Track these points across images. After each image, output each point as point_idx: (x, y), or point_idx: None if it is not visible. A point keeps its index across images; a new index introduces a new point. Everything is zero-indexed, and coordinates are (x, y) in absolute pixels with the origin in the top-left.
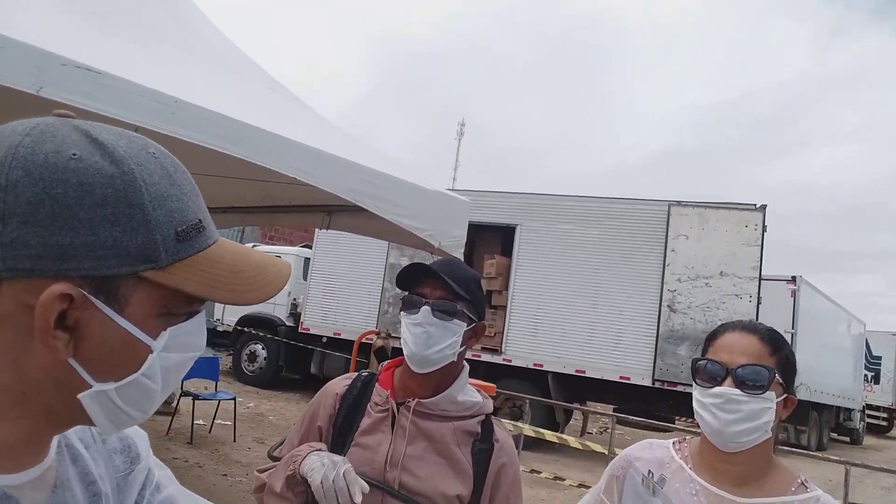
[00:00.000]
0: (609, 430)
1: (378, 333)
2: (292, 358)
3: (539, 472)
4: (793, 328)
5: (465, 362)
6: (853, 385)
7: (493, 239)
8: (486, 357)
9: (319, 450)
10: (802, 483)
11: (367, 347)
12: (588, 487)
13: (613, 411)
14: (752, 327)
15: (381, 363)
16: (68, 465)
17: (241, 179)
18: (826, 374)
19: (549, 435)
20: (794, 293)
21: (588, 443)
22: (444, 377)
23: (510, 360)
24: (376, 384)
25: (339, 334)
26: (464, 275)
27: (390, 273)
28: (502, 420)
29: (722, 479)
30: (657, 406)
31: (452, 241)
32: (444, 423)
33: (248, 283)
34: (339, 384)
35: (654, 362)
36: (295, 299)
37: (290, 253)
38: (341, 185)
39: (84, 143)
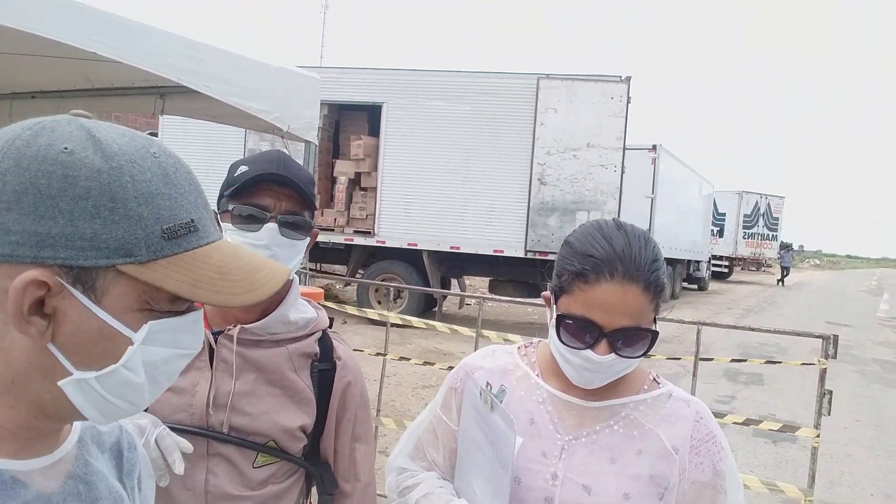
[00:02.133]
0: (482, 304)
1: None
2: None
3: (408, 359)
4: (653, 193)
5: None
6: (702, 240)
7: (359, 119)
8: (359, 240)
9: None
10: (654, 379)
11: None
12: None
13: (489, 283)
14: (632, 275)
15: None
16: (91, 460)
17: (44, 58)
18: (680, 232)
19: (415, 321)
20: (654, 161)
21: (456, 327)
22: (274, 296)
23: (384, 242)
24: None
25: None
26: (305, 175)
27: None
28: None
29: (572, 386)
30: (530, 275)
31: (303, 123)
32: (276, 349)
33: (234, 286)
34: None
35: (526, 234)
36: None
37: None
38: (159, 61)
39: (81, 138)
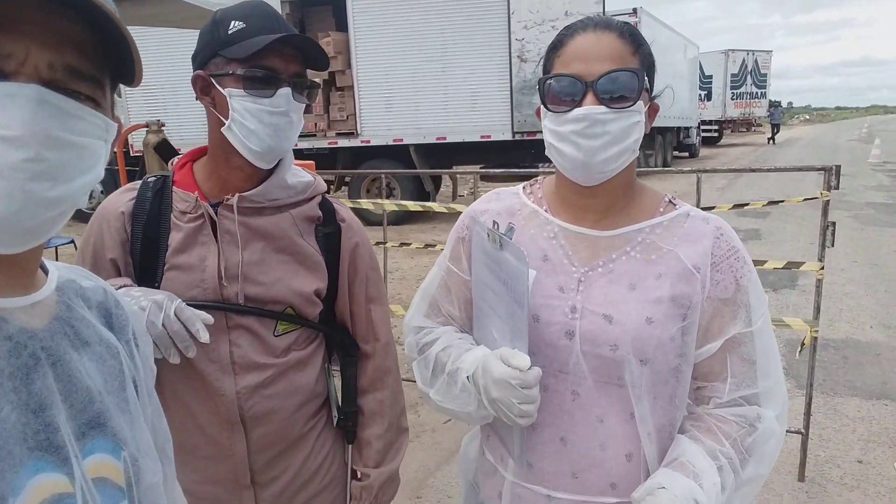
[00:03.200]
0: (477, 183)
1: (147, 126)
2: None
3: (408, 244)
4: None
5: None
6: (690, 105)
7: (324, 14)
8: (343, 142)
9: (124, 286)
10: (670, 201)
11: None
12: None
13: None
14: (605, 23)
15: (170, 160)
16: (76, 307)
17: None
18: (667, 99)
19: (411, 205)
20: (636, 25)
21: (452, 205)
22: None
23: (368, 141)
24: (173, 188)
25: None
26: (309, 38)
27: None
28: (358, 203)
29: (583, 216)
30: (521, 158)
31: None
32: (279, 215)
33: None
34: (120, 200)
35: (512, 116)
36: None
37: None
38: None
39: None
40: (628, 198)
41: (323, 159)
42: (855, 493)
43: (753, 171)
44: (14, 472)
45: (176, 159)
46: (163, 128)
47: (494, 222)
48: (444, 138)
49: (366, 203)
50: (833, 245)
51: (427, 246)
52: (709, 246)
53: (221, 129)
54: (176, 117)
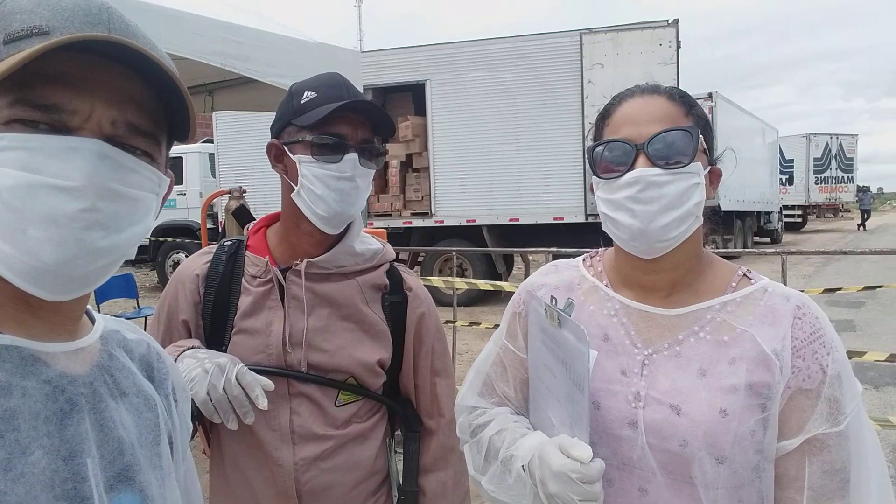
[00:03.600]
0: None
1: (230, 192)
2: None
3: (478, 324)
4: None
5: None
6: (770, 190)
7: (404, 100)
8: (417, 222)
9: (192, 348)
10: (745, 275)
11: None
12: None
13: (553, 256)
14: (653, 87)
15: (246, 226)
16: (118, 356)
17: None
18: (746, 184)
19: (482, 284)
20: (711, 109)
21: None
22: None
23: (442, 221)
24: (246, 252)
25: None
26: (375, 104)
27: None
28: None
29: (646, 293)
30: (593, 241)
31: None
32: (346, 282)
33: None
34: (196, 263)
35: (585, 197)
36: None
37: (191, 151)
38: (200, 48)
39: None
40: (697, 272)
41: (397, 238)
42: None
43: (845, 253)
44: None
45: (251, 224)
46: (244, 194)
47: (553, 297)
48: (517, 220)
49: (436, 280)
50: None
51: (497, 326)
52: (789, 327)
53: (291, 195)
54: (262, 185)
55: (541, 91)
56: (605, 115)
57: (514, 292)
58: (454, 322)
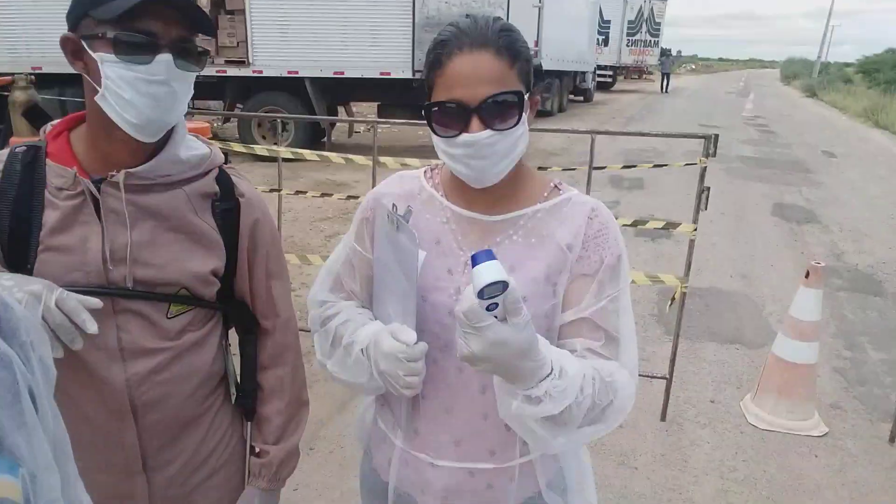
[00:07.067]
0: (375, 130)
1: (12, 81)
2: None
3: (304, 192)
4: (540, 2)
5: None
6: (587, 50)
7: None
8: (232, 71)
9: None
10: (555, 186)
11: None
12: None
13: (378, 108)
14: (480, 39)
15: (42, 128)
16: None
17: None
18: (566, 43)
19: (308, 154)
20: None
21: (351, 157)
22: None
23: (261, 71)
24: (47, 160)
25: (40, 68)
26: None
27: None
28: (253, 147)
29: (475, 202)
30: (420, 97)
31: None
32: (171, 192)
33: None
34: None
35: (413, 53)
36: None
37: None
38: None
39: None
40: (516, 184)
41: (210, 89)
42: (706, 430)
43: (643, 135)
44: None
45: (49, 126)
46: (33, 82)
47: (394, 205)
48: (342, 73)
49: (259, 149)
50: (706, 209)
51: (324, 195)
52: (582, 226)
53: (95, 98)
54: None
55: None
56: (437, 65)
57: (340, 162)
58: (280, 190)
